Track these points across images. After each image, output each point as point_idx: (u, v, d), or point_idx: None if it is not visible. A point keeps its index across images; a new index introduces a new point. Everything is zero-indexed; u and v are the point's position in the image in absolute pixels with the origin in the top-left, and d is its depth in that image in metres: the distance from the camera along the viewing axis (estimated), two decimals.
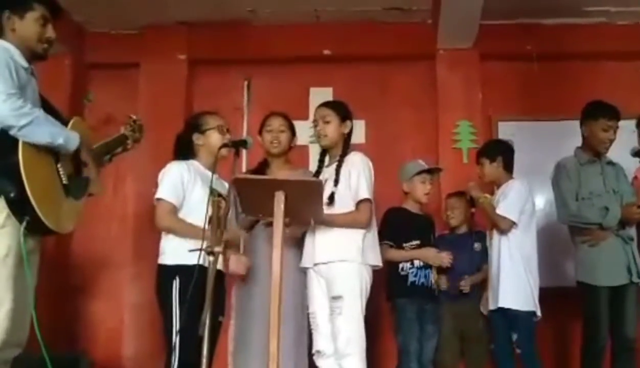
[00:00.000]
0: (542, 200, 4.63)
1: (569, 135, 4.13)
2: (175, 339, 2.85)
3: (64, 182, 2.59)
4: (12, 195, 2.33)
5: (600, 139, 3.76)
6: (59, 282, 4.78)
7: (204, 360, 2.51)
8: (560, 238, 4.32)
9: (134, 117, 3.18)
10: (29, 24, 2.57)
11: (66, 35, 4.66)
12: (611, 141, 3.78)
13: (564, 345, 4.56)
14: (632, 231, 3.72)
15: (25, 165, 2.34)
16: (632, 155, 3.63)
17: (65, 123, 2.75)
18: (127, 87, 5.14)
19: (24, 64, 2.56)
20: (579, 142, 3.93)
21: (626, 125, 3.88)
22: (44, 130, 2.43)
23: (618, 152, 3.85)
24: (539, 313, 3.76)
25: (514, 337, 3.77)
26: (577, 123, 3.92)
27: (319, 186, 2.87)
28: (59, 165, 2.56)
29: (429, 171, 3.97)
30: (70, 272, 4.98)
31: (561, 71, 5.15)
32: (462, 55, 5.02)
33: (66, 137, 2.52)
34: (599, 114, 3.77)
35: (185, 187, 3.11)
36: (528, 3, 4.89)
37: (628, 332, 3.61)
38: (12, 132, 2.34)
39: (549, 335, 4.39)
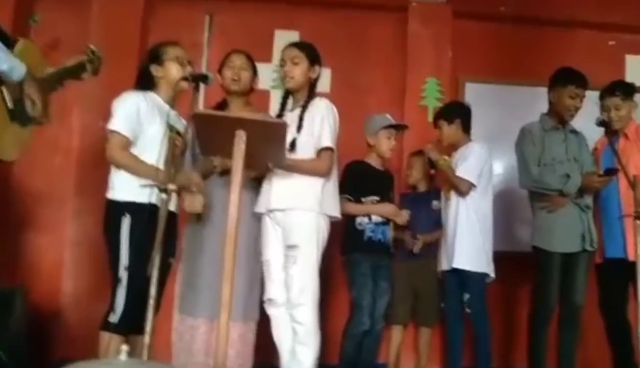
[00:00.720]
0: (504, 164, 4.64)
1: (535, 101, 4.11)
2: (123, 277, 2.77)
3: (9, 106, 2.42)
4: None
5: (566, 105, 3.75)
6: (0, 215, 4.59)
7: (151, 301, 2.41)
8: (517, 204, 4.41)
9: (92, 47, 2.96)
10: None
11: None
12: (577, 109, 3.78)
13: (512, 307, 4.61)
14: (589, 200, 3.74)
15: None
16: (597, 125, 3.60)
17: (11, 43, 2.57)
18: (78, 12, 4.82)
19: None
20: (545, 108, 3.91)
21: (591, 96, 3.85)
22: None
23: (581, 121, 3.85)
24: (492, 275, 3.80)
25: (466, 296, 3.78)
26: (544, 89, 3.90)
27: (283, 128, 2.67)
28: (3, 88, 2.39)
29: (395, 127, 3.90)
30: (9, 204, 4.74)
31: (533, 36, 5.13)
32: (435, 10, 4.95)
33: (11, 66, 2.35)
34: (567, 80, 3.76)
35: (142, 120, 2.91)
36: None
37: (577, 299, 3.67)
38: None
39: (498, 297, 4.41)
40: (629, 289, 3.45)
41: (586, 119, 3.77)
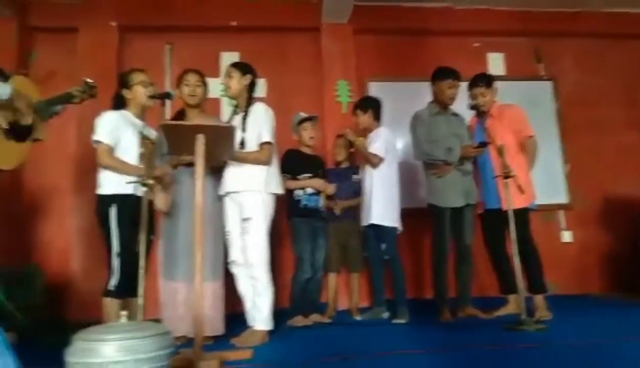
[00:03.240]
0: (402, 142, 4.68)
1: (422, 93, 4.10)
2: (116, 254, 2.77)
3: (4, 126, 2.38)
4: None
5: (446, 95, 3.78)
6: (16, 209, 4.49)
7: (142, 271, 2.42)
8: (415, 171, 4.47)
9: (89, 80, 2.86)
10: None
11: (12, 2, 4.50)
12: (454, 96, 3.81)
13: (418, 250, 4.70)
14: (469, 166, 3.79)
15: None
16: (469, 109, 3.73)
17: (6, 78, 2.51)
18: (67, 48, 4.74)
19: None
20: (430, 97, 3.93)
21: (464, 86, 3.87)
22: None
23: (459, 106, 3.90)
24: (400, 228, 3.85)
25: (383, 246, 3.84)
26: (428, 83, 3.92)
27: (232, 131, 2.75)
28: None
29: (308, 119, 3.94)
30: (24, 201, 4.64)
31: (416, 43, 5.25)
32: (340, 29, 5.04)
33: None
34: (445, 75, 3.79)
35: (118, 131, 2.91)
36: None
37: (466, 240, 3.74)
38: None
39: (407, 243, 4.49)
40: (505, 230, 3.47)
41: (462, 103, 3.84)
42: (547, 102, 5.45)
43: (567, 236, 5.21)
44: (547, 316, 3.44)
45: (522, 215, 3.50)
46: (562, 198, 5.26)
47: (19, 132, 2.44)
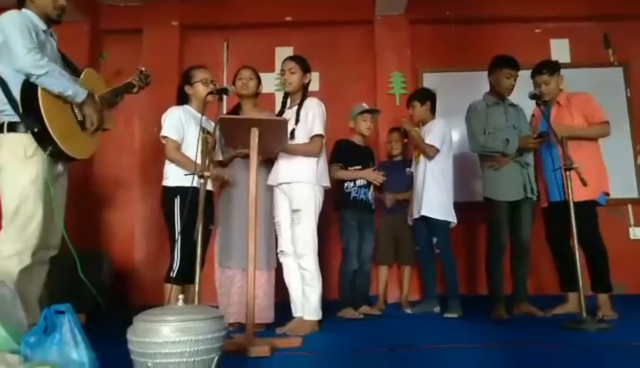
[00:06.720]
0: (458, 134, 4.63)
1: (479, 83, 4.05)
2: (177, 243, 2.94)
3: (79, 119, 2.60)
4: (35, 130, 2.38)
5: (503, 85, 3.73)
6: (85, 199, 4.82)
7: (198, 259, 2.58)
8: (471, 163, 4.41)
9: (143, 68, 3.10)
10: None
11: (85, 7, 4.92)
12: (512, 87, 3.75)
13: (472, 246, 4.67)
14: (528, 158, 3.71)
15: (44, 107, 2.40)
16: (530, 98, 3.58)
17: (79, 73, 2.75)
18: (133, 48, 5.06)
19: (43, 26, 2.54)
20: (487, 88, 3.89)
21: (524, 75, 3.80)
22: (56, 82, 2.45)
23: (518, 95, 3.82)
24: (454, 221, 3.85)
25: (434, 240, 3.85)
26: (485, 73, 3.87)
27: (285, 124, 2.87)
28: (74, 106, 2.57)
29: (369, 111, 3.99)
30: (92, 191, 5.02)
31: (473, 32, 5.16)
32: (394, 20, 5.06)
33: (75, 91, 2.52)
34: (502, 65, 3.73)
35: (183, 126, 3.10)
36: None
37: (523, 236, 3.67)
38: (31, 80, 2.38)
39: (461, 238, 4.47)
40: (568, 224, 3.23)
41: (522, 92, 3.71)
42: (617, 89, 5.18)
43: (636, 232, 4.97)
44: (612, 316, 3.32)
45: (587, 208, 3.41)
46: (632, 192, 5.02)
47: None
